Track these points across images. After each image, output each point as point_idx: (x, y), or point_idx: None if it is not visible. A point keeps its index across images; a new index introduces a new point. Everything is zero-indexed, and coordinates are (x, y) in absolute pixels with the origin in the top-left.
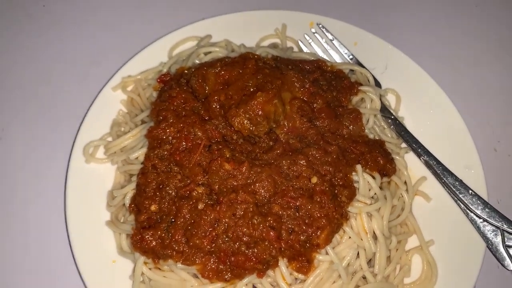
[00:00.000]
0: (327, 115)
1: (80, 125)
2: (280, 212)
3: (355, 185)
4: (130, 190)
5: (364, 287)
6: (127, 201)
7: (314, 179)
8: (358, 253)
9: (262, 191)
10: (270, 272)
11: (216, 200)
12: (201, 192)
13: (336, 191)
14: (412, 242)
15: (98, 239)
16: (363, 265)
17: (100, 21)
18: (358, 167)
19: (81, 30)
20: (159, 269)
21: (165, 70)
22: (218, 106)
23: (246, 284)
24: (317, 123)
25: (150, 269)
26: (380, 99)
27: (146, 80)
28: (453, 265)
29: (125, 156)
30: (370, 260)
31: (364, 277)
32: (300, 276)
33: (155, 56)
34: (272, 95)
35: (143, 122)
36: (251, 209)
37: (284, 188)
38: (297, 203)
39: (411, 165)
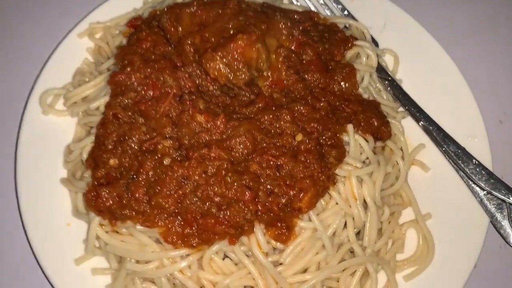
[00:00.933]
0: (317, 68)
1: (39, 73)
2: (259, 172)
3: (346, 147)
4: (88, 143)
5: (351, 260)
6: (85, 155)
7: (299, 137)
8: (345, 223)
9: (239, 147)
10: (244, 239)
11: (185, 156)
12: (168, 146)
13: (323, 151)
14: (407, 215)
15: (51, 200)
16: (350, 236)
17: None
18: (350, 127)
19: None
20: (117, 232)
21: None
22: (192, 50)
23: (217, 252)
24: (306, 76)
25: (106, 232)
26: (377, 59)
27: (116, 27)
28: (452, 242)
29: (86, 106)
30: (358, 232)
31: (351, 251)
32: (279, 245)
33: (129, 2)
34: (254, 38)
35: (109, 71)
36: (225, 167)
37: (264, 145)
38: (278, 162)
39: (408, 132)
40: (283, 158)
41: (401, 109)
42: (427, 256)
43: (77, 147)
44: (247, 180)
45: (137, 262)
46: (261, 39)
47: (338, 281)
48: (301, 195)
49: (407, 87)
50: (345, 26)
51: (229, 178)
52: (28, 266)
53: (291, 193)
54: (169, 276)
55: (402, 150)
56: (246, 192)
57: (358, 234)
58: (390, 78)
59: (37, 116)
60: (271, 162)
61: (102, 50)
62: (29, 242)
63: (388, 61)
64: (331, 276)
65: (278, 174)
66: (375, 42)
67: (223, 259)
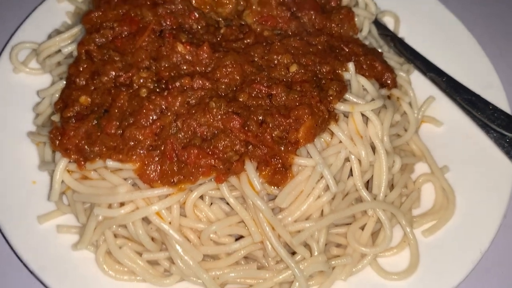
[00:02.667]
0: (312, 6)
1: (12, 34)
2: (249, 102)
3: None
4: (59, 89)
5: (359, 205)
6: (54, 100)
7: (294, 67)
8: (351, 171)
9: (226, 80)
10: (233, 180)
11: (164, 88)
12: (145, 77)
13: (322, 83)
14: (420, 171)
15: (17, 158)
16: (357, 182)
17: None
18: (351, 64)
19: None
20: (87, 178)
21: None
22: None
23: (201, 197)
24: (299, 14)
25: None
26: (376, 20)
27: None
28: (475, 193)
29: (60, 57)
30: (367, 182)
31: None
32: (274, 190)
33: None
34: None
35: None
36: (210, 96)
37: (254, 78)
38: (271, 92)
39: (416, 86)
40: (275, 87)
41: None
42: (447, 208)
43: (46, 94)
44: (236, 107)
45: (109, 207)
46: None
47: (346, 237)
48: (298, 125)
49: (410, 44)
50: None
51: (215, 104)
52: None
53: (286, 122)
54: (148, 227)
55: (410, 104)
56: (235, 119)
57: (367, 184)
58: (391, 34)
59: (9, 74)
60: (263, 91)
61: (82, 12)
62: None
63: (389, 23)
64: (338, 231)
65: (270, 104)
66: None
67: (210, 205)
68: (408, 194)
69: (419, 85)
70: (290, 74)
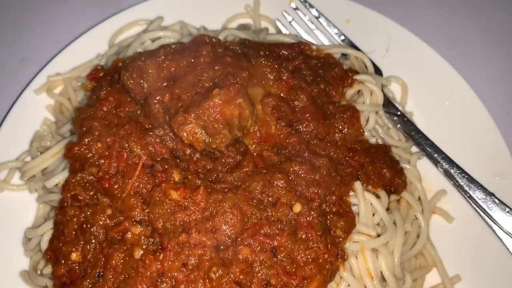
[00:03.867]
0: (313, 115)
1: None
2: (250, 258)
3: (354, 209)
4: (48, 230)
5: None
6: (43, 245)
7: (298, 207)
8: None
9: (225, 228)
10: None
11: (159, 244)
12: (138, 234)
13: (328, 222)
14: (432, 278)
15: None
16: None
17: (27, 5)
18: (357, 185)
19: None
20: None
21: (103, 64)
22: (161, 110)
23: None
24: (300, 127)
25: None
26: (382, 91)
27: (78, 79)
28: None
29: (43, 182)
30: None
31: None
32: None
33: (92, 47)
34: (234, 92)
35: (73, 134)
36: (209, 257)
37: (255, 221)
38: (274, 243)
39: (426, 175)
40: (279, 238)
41: (414, 149)
42: None
43: (34, 235)
44: (237, 273)
45: None
46: (243, 91)
47: None
48: (305, 284)
49: (419, 120)
50: (343, 54)
51: (214, 274)
52: None
53: (293, 283)
54: None
55: (420, 199)
56: None
57: None
58: (399, 113)
59: None
60: (266, 244)
61: (64, 107)
62: None
63: (395, 91)
64: None
65: (275, 258)
66: (377, 70)
67: None
68: None
69: (430, 171)
70: (294, 214)
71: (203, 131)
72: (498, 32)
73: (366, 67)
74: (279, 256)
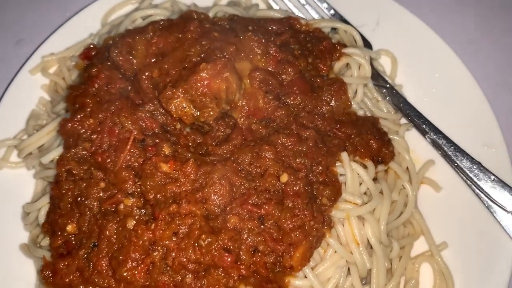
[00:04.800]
0: (301, 88)
1: None
2: (239, 226)
3: (341, 179)
4: (45, 204)
5: None
6: (41, 219)
7: (285, 177)
8: (349, 269)
9: (215, 198)
10: None
11: (151, 214)
12: (131, 205)
13: (314, 191)
14: (420, 246)
15: (15, 267)
16: (356, 286)
17: None
18: (344, 155)
19: None
20: None
21: (95, 43)
22: (151, 86)
23: None
24: (288, 100)
25: None
26: (371, 64)
27: (72, 58)
28: (474, 275)
29: (39, 159)
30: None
31: None
32: None
33: (85, 27)
34: (221, 66)
35: (67, 112)
36: (199, 225)
37: (244, 192)
38: (262, 212)
39: (414, 146)
40: (266, 207)
41: (403, 120)
42: None
43: (32, 209)
44: (225, 241)
45: None
46: (230, 65)
47: None
48: (292, 250)
49: (408, 92)
50: (332, 28)
51: (203, 241)
52: None
53: (280, 249)
54: None
55: (408, 170)
56: (225, 256)
57: (366, 277)
58: (388, 85)
59: None
60: (253, 213)
61: (59, 86)
62: None
63: (385, 64)
64: None
65: (262, 226)
66: (367, 43)
67: None
68: (407, 280)
69: (419, 142)
70: (281, 184)
71: (191, 105)
72: (490, 3)
73: (355, 40)
74: (266, 224)
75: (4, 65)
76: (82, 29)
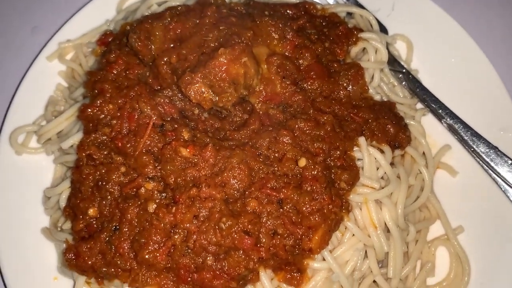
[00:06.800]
0: (318, 73)
1: (8, 107)
2: (258, 210)
3: (358, 163)
4: (65, 189)
5: None
6: (62, 203)
7: (303, 162)
8: (366, 252)
9: (234, 182)
10: None
11: (172, 198)
12: (151, 189)
13: (332, 175)
14: (436, 230)
15: (36, 251)
16: (373, 268)
17: None
18: (361, 140)
19: None
20: None
21: (111, 29)
22: (169, 71)
23: None
24: (305, 85)
25: None
26: (388, 49)
27: (88, 45)
28: (490, 259)
29: (59, 144)
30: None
31: (375, 282)
32: None
33: (101, 13)
34: (239, 51)
35: (85, 97)
36: (219, 209)
37: (263, 176)
38: (281, 196)
39: (431, 131)
40: (285, 191)
41: (419, 105)
42: (462, 278)
43: (53, 194)
44: (245, 224)
45: None
46: (247, 50)
47: None
48: (310, 233)
49: (424, 77)
50: (348, 13)
51: (224, 224)
52: None
53: (298, 232)
54: None
55: (424, 154)
56: (245, 239)
57: (383, 260)
58: (404, 70)
59: (11, 157)
60: (272, 197)
61: (76, 73)
62: None
63: (401, 49)
64: None
65: (281, 210)
66: (383, 28)
67: None
68: (423, 263)
69: (435, 127)
70: (299, 168)
71: (210, 90)
72: None
73: (371, 25)
74: (285, 208)
75: (20, 52)
76: (97, 15)
